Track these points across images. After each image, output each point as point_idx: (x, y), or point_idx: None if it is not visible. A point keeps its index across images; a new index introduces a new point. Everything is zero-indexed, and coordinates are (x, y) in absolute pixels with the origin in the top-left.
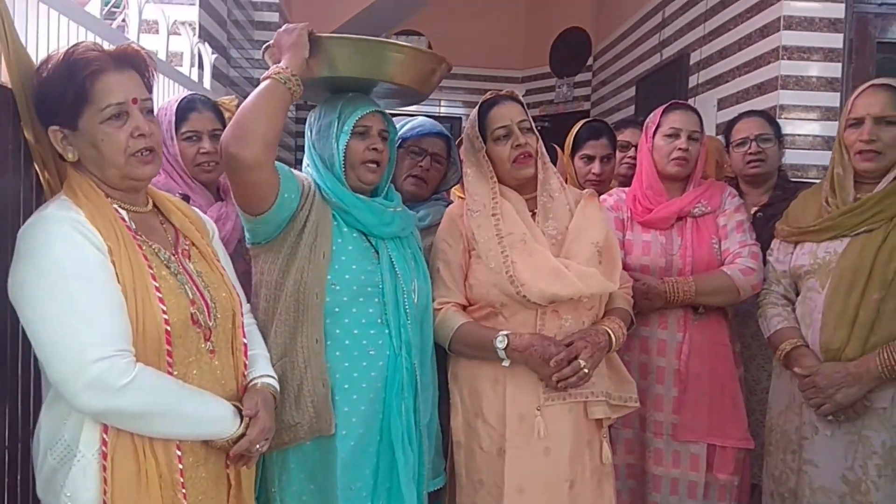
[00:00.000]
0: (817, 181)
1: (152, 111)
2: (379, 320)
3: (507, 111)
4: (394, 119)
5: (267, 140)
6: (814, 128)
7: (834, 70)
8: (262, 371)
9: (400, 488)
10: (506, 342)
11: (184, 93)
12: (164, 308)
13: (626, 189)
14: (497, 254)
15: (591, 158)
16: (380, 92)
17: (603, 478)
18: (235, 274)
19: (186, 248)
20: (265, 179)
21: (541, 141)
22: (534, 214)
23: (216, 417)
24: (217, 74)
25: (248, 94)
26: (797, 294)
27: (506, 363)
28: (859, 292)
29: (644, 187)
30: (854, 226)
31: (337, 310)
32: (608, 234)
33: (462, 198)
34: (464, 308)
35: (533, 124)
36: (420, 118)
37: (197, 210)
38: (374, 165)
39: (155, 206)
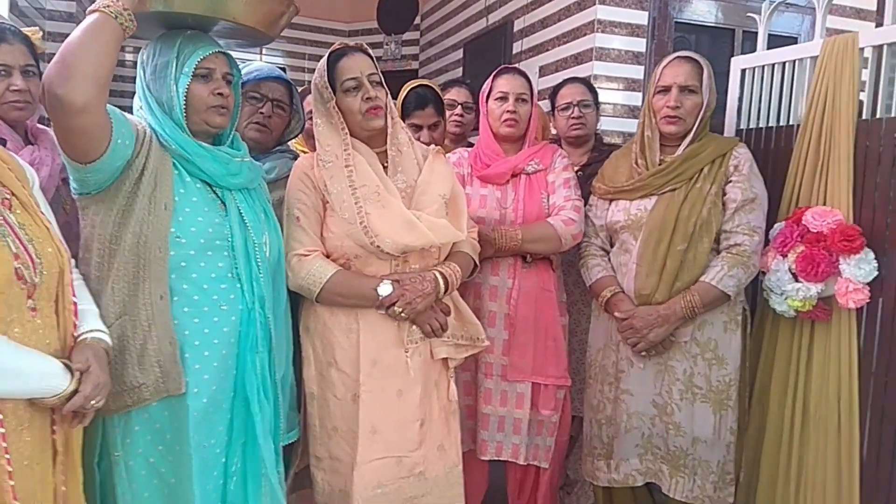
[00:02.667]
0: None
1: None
2: (229, 274)
3: (356, 63)
4: None
5: (98, 80)
6: (620, 97)
7: (639, 45)
8: (92, 326)
9: (255, 443)
10: (390, 289)
11: None
12: None
13: (470, 149)
14: (351, 205)
15: (419, 128)
16: (220, 31)
17: (450, 415)
18: None
19: (7, 197)
20: (96, 123)
21: (389, 95)
22: (385, 168)
23: (43, 373)
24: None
25: (36, 25)
26: (612, 245)
27: (381, 311)
28: (666, 244)
29: (483, 147)
30: (661, 185)
31: (183, 264)
32: (454, 187)
33: (304, 151)
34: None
35: (382, 78)
36: (257, 62)
37: (14, 155)
38: (223, 109)
39: None
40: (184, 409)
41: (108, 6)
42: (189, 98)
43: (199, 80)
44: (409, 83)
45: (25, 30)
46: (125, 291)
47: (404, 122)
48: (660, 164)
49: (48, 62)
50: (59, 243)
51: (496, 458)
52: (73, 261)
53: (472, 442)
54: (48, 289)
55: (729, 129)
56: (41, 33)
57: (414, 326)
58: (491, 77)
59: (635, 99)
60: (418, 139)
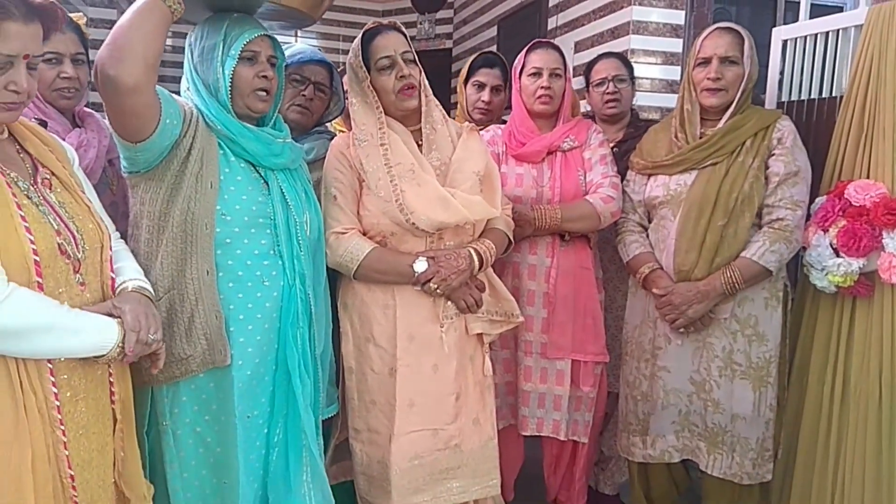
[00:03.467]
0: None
1: (35, 67)
2: (272, 251)
3: (390, 41)
4: None
5: (148, 61)
6: (658, 71)
7: (677, 17)
8: (127, 277)
9: (296, 415)
10: (426, 266)
11: None
12: (31, 238)
13: (503, 126)
14: (387, 183)
15: (482, 86)
16: (264, 14)
17: (485, 389)
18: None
19: (47, 177)
20: (146, 104)
21: (423, 73)
22: (419, 146)
23: (98, 327)
24: None
25: (78, 11)
26: (650, 221)
27: (417, 288)
28: (706, 220)
29: (517, 124)
30: (701, 160)
31: (228, 241)
32: (488, 164)
33: (342, 131)
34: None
35: (416, 56)
36: (299, 45)
37: (55, 136)
38: (264, 94)
39: (10, 133)
40: (229, 381)
41: None
42: (235, 80)
43: (245, 62)
44: None
45: (72, 16)
46: (173, 266)
47: (469, 80)
48: (700, 138)
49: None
50: (100, 220)
51: (537, 434)
52: (115, 233)
53: (513, 418)
54: (93, 264)
55: (770, 102)
56: (85, 19)
57: (449, 302)
58: (523, 52)
59: (674, 73)
60: (478, 99)
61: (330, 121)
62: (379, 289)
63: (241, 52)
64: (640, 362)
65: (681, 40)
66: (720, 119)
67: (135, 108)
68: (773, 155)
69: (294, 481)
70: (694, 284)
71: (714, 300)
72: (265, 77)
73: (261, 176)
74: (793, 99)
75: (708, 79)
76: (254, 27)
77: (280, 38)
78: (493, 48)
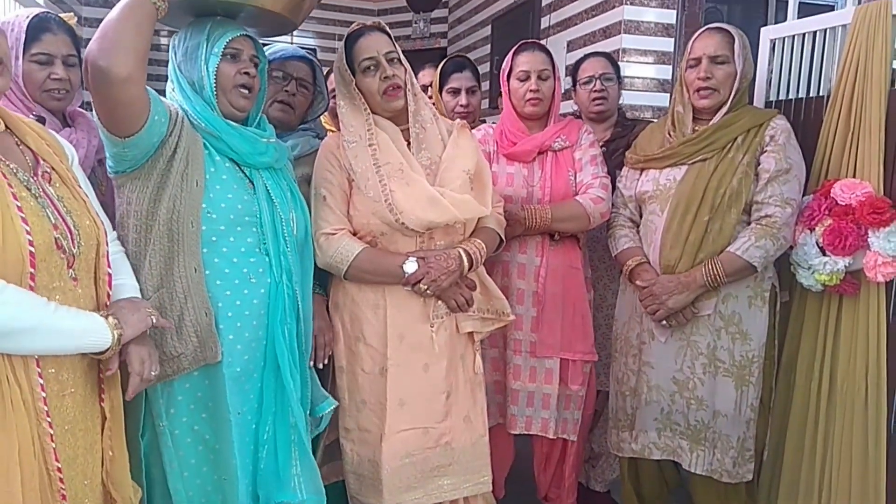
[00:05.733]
0: (654, 120)
1: None
2: (258, 249)
3: (373, 42)
4: None
5: (138, 52)
6: (650, 70)
7: (669, 17)
8: (129, 294)
9: (285, 411)
10: (415, 266)
11: (32, 10)
12: (28, 229)
13: (494, 125)
14: (375, 183)
15: (457, 91)
16: (246, 19)
17: (475, 387)
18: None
19: (47, 171)
20: (136, 96)
21: (410, 72)
22: (409, 144)
23: (89, 327)
24: None
25: (72, 11)
26: (641, 217)
27: (407, 288)
28: (692, 215)
29: (508, 125)
30: (691, 154)
31: (214, 239)
32: (479, 162)
33: (331, 130)
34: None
35: (401, 55)
36: (282, 43)
37: (54, 133)
38: (246, 91)
39: (7, 127)
40: (220, 378)
41: None
42: (218, 77)
43: (228, 59)
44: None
45: (62, 15)
46: (161, 265)
47: (443, 88)
48: (692, 133)
49: (85, 47)
50: (96, 216)
51: (526, 433)
52: (112, 233)
53: (501, 416)
54: (87, 260)
55: (758, 101)
56: (76, 18)
57: (439, 302)
58: (510, 54)
59: (666, 72)
60: (456, 104)
61: (315, 118)
62: (369, 289)
63: (224, 49)
64: (627, 357)
65: (672, 39)
66: (713, 120)
67: (126, 99)
68: (765, 152)
69: (283, 475)
70: (675, 276)
71: (695, 292)
72: (247, 73)
73: (245, 175)
74: (780, 98)
75: (698, 79)
76: (236, 27)
77: (271, 37)
78: (488, 47)
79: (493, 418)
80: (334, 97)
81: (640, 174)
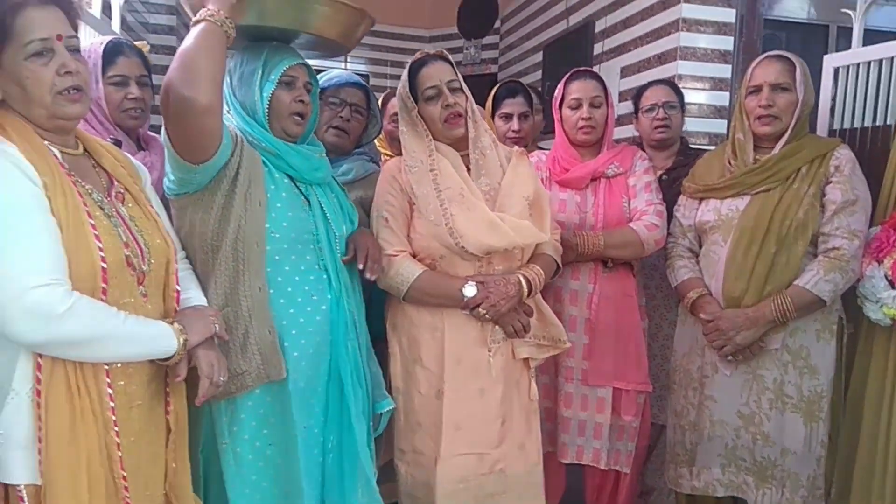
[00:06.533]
0: (711, 148)
1: (79, 49)
2: (317, 266)
3: (436, 71)
4: None
5: (216, 82)
6: (706, 97)
7: (726, 43)
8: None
9: (349, 424)
10: (475, 291)
11: (105, 37)
12: (101, 245)
13: (547, 151)
14: (436, 207)
15: (509, 117)
16: (301, 43)
17: (531, 414)
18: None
19: (121, 192)
20: (216, 123)
21: (471, 99)
22: (469, 170)
23: (158, 333)
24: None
25: (142, 39)
26: (700, 246)
27: (465, 312)
28: (758, 246)
29: (560, 152)
30: (754, 184)
31: (277, 257)
32: (537, 189)
33: (387, 154)
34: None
35: (463, 83)
36: (336, 70)
37: (129, 155)
38: (300, 118)
39: (86, 150)
40: (286, 394)
41: (212, 16)
42: (273, 103)
43: (284, 87)
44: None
45: (136, 43)
46: (226, 285)
47: (495, 113)
48: (754, 163)
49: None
50: (167, 234)
51: (577, 462)
52: (181, 252)
53: (551, 444)
54: (156, 277)
55: (821, 129)
56: (149, 47)
57: (497, 327)
58: (562, 83)
59: (722, 99)
60: (508, 129)
61: (369, 142)
62: (427, 311)
63: (281, 77)
64: (687, 391)
65: (729, 66)
66: (774, 147)
67: (206, 128)
68: (831, 182)
69: (348, 487)
70: (743, 311)
71: (763, 328)
72: (301, 101)
73: (300, 192)
74: (845, 127)
75: (760, 107)
76: (293, 55)
77: (326, 63)
78: (539, 74)
79: (543, 446)
80: (392, 122)
81: (700, 203)
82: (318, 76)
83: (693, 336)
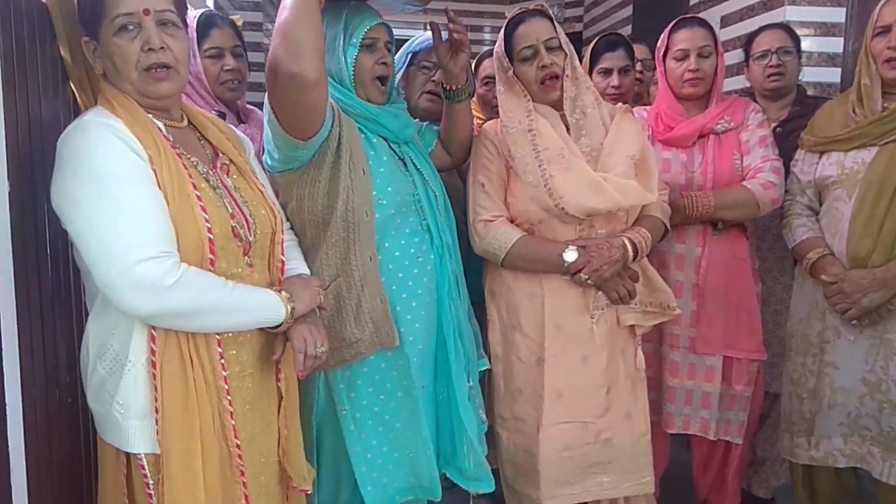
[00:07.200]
0: (828, 97)
1: (177, 24)
2: (419, 227)
3: (532, 29)
4: None
5: (320, 52)
6: (816, 43)
7: None
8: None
9: (452, 381)
10: (576, 255)
11: (197, 10)
12: (207, 217)
13: (648, 108)
14: (535, 168)
15: (608, 72)
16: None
17: (637, 383)
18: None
19: (226, 163)
20: (323, 97)
21: (572, 56)
22: (568, 130)
23: (266, 302)
24: None
25: (227, 12)
26: (821, 204)
27: (566, 277)
28: (886, 201)
29: (664, 108)
30: (883, 134)
31: (384, 223)
32: (644, 147)
33: (481, 118)
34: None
35: (563, 40)
36: (426, 33)
37: (232, 127)
38: (381, 83)
39: (190, 122)
40: (405, 358)
41: None
42: (356, 68)
43: (365, 50)
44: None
45: (231, 17)
46: (338, 256)
47: (594, 68)
48: (882, 111)
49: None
50: (272, 205)
51: (683, 433)
52: (287, 223)
53: (655, 414)
54: (262, 247)
55: None
56: (242, 21)
57: (600, 293)
58: (667, 32)
59: (836, 45)
60: (608, 85)
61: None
62: (526, 277)
63: (362, 40)
64: (806, 357)
65: (843, 9)
66: None
67: (315, 102)
68: None
69: (458, 442)
70: (870, 271)
71: (893, 289)
72: (384, 64)
73: (395, 153)
74: None
75: (889, 48)
76: (372, 15)
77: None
78: (628, 29)
79: None
80: (485, 84)
81: (820, 157)
82: (409, 42)
83: (812, 300)
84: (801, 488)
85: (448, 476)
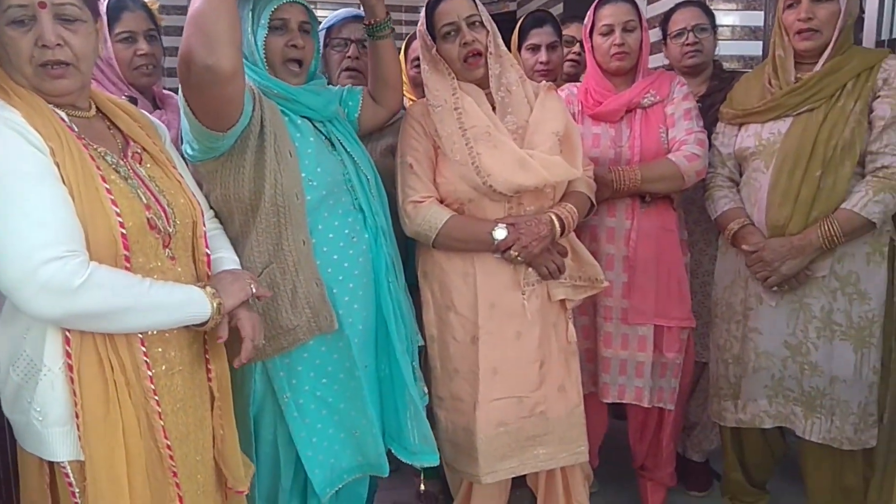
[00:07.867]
0: (746, 71)
1: (80, 18)
2: (352, 206)
3: (454, 6)
4: None
5: (236, 43)
6: (739, 17)
7: None
8: (229, 267)
9: (396, 359)
10: (505, 233)
11: None
12: (118, 211)
13: (578, 84)
14: (462, 146)
15: (536, 48)
16: None
17: (569, 356)
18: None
19: (137, 152)
20: (241, 88)
21: (494, 33)
22: (494, 108)
23: (187, 299)
24: None
25: None
26: (741, 175)
27: (497, 255)
28: (802, 170)
29: (593, 84)
30: (797, 105)
31: (315, 205)
32: (567, 124)
33: (411, 99)
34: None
35: (484, 17)
36: (340, 11)
37: (146, 113)
38: (297, 67)
39: (99, 110)
40: (345, 340)
41: None
42: (266, 51)
43: (275, 31)
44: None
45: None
46: (269, 242)
47: (522, 44)
48: (795, 82)
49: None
50: (192, 195)
51: (619, 401)
52: (209, 212)
53: (593, 385)
54: (183, 238)
55: (867, 41)
56: (158, 4)
57: (530, 269)
58: (592, 8)
59: (756, 19)
60: (536, 61)
61: None
62: (458, 257)
63: (270, 21)
64: (730, 324)
65: None
66: (817, 64)
67: (232, 95)
68: (878, 97)
69: (402, 418)
70: (787, 239)
71: (810, 255)
72: (294, 46)
73: (321, 133)
74: (894, 37)
75: (798, 20)
76: None
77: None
78: (560, 8)
79: (585, 387)
80: (415, 66)
81: (739, 129)
82: (324, 22)
83: (735, 268)
84: (730, 450)
85: (393, 452)
